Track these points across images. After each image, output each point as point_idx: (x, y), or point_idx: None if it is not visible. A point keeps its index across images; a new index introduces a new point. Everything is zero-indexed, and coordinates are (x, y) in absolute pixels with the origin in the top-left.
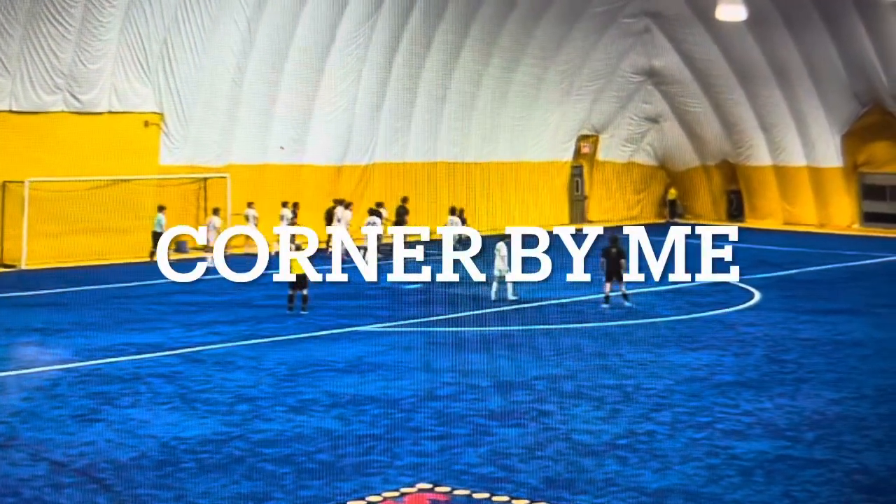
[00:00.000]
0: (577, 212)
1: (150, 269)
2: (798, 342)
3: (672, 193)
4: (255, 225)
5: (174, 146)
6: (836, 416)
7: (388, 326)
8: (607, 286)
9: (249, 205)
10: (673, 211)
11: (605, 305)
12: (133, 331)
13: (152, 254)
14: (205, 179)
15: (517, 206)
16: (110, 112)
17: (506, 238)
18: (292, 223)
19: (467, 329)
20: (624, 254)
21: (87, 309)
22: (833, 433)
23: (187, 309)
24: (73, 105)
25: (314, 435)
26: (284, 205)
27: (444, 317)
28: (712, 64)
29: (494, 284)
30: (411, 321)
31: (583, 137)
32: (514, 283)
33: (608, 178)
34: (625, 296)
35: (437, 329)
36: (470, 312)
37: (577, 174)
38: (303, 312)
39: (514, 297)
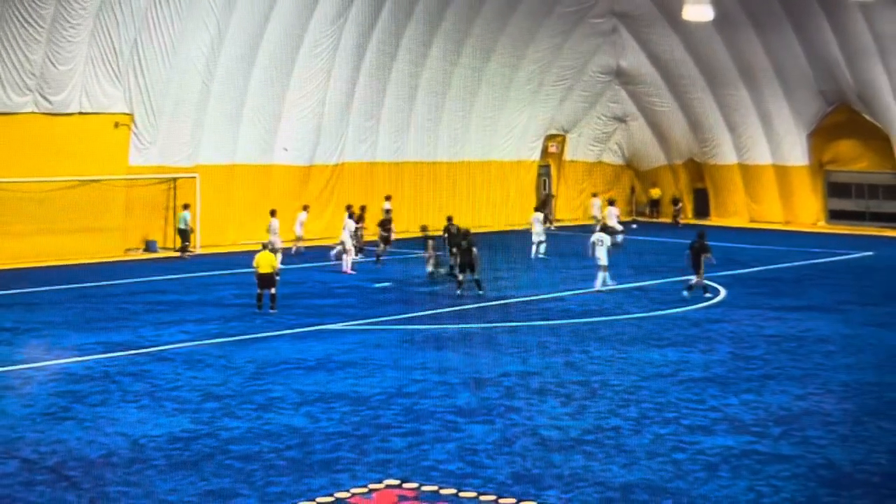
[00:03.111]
0: (545, 211)
1: (130, 267)
2: (764, 339)
3: (655, 192)
4: (278, 236)
5: (144, 147)
6: (802, 411)
7: (356, 324)
8: (697, 278)
9: (272, 213)
10: (654, 210)
11: (707, 294)
12: (103, 330)
13: (183, 249)
14: (174, 179)
15: (487, 204)
16: (80, 113)
17: (609, 231)
18: (357, 230)
19: (436, 327)
20: (707, 248)
21: (58, 308)
22: (798, 428)
23: (157, 308)
24: (44, 106)
25: (282, 432)
26: (349, 208)
27: (413, 315)
28: (679, 64)
29: (598, 273)
30: (380, 319)
31: (550, 137)
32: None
33: (576, 178)
34: (697, 287)
35: (405, 327)
36: (438, 310)
37: (544, 173)
38: (271, 311)
39: (613, 285)
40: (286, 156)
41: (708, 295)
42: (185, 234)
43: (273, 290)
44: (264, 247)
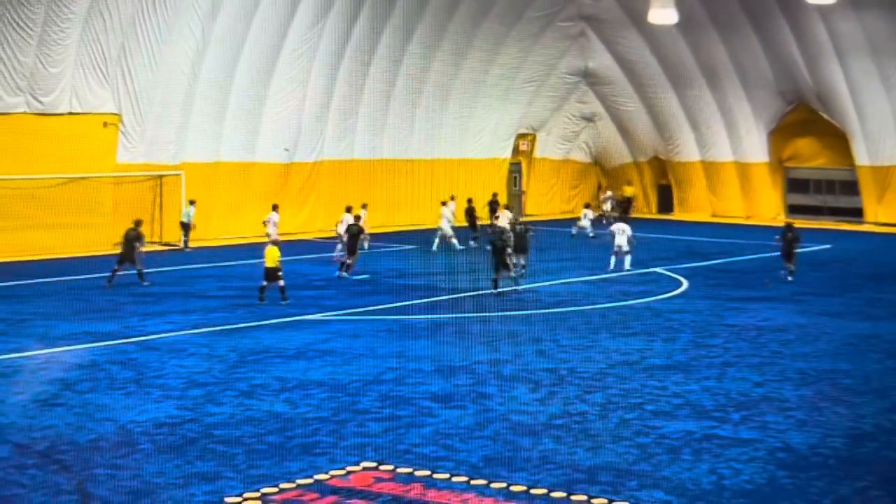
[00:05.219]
0: (516, 206)
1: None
2: (724, 328)
3: (629, 190)
4: (276, 228)
5: (131, 145)
6: (760, 397)
7: (335, 315)
8: (790, 265)
9: (274, 208)
10: (628, 207)
11: (789, 278)
12: (91, 320)
13: (185, 242)
14: (160, 177)
15: (460, 200)
16: (70, 113)
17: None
18: (473, 216)
19: (411, 317)
20: (798, 238)
21: (48, 300)
22: (757, 414)
23: (143, 300)
24: (35, 107)
25: (264, 418)
26: (444, 204)
27: (389, 305)
28: (645, 65)
29: (612, 258)
30: (357, 310)
31: (521, 135)
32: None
33: (545, 174)
34: (791, 272)
35: (382, 317)
36: (413, 301)
37: (515, 171)
38: (283, 302)
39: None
40: (268, 154)
41: (790, 278)
42: (186, 228)
43: (281, 283)
44: (273, 242)
